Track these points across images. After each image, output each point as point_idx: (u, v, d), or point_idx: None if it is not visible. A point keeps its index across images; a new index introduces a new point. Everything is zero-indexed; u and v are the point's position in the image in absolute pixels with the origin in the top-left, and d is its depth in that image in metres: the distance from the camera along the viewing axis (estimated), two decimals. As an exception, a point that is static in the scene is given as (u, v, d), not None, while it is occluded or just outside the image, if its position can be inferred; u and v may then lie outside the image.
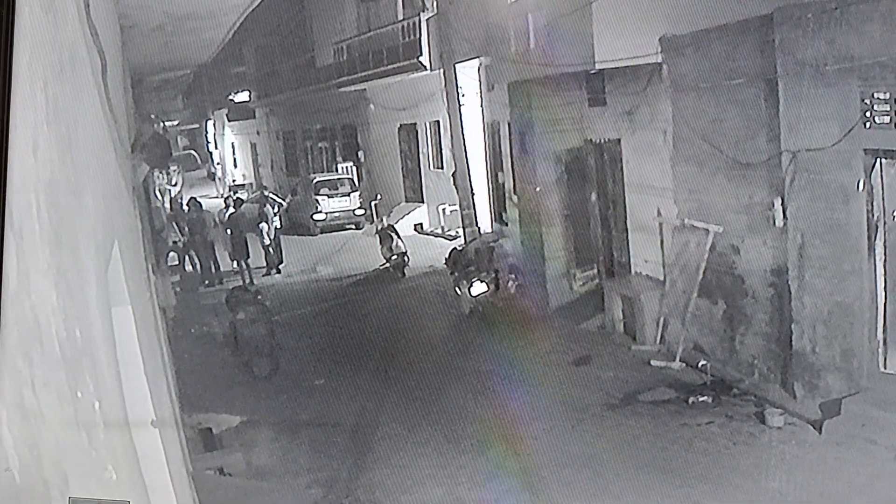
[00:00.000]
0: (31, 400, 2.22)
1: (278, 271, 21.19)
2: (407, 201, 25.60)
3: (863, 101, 9.11)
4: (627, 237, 14.20)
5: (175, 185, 25.77)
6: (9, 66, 2.28)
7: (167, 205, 23.41)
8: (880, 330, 9.60)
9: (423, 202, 24.71)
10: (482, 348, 14.06)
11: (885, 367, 9.64)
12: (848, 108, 9.26)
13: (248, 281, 19.75)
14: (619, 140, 13.96)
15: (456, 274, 16.38)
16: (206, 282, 20.42)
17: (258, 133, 36.21)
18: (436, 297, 17.09)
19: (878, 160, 9.38)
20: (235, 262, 20.47)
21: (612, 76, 13.48)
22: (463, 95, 19.36)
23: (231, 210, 21.48)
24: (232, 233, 20.61)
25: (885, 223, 9.51)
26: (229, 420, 11.21)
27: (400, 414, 11.35)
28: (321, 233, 25.64)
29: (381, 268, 20.00)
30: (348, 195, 26.30)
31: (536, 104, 15.47)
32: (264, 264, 21.31)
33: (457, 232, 20.74)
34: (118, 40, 8.12)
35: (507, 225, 18.61)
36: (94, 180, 4.03)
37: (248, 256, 20.49)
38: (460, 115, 19.03)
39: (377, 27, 23.94)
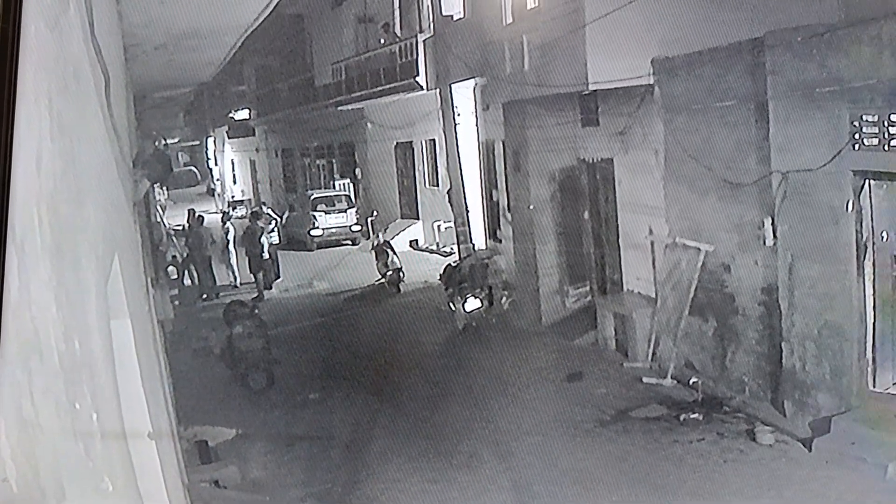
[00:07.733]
0: (30, 410, 2.21)
1: (269, 287, 21.24)
2: (403, 218, 25.67)
3: (852, 123, 9.20)
4: (620, 255, 14.26)
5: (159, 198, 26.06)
6: (14, 80, 2.30)
7: (166, 220, 23.65)
8: (869, 349, 9.65)
9: (418, 219, 24.79)
10: (476, 364, 14.09)
11: (874, 386, 9.68)
12: (837, 129, 9.36)
13: (258, 296, 19.91)
14: (611, 159, 14.06)
15: (450, 290, 16.41)
16: (204, 296, 20.51)
17: (257, 150, 36.29)
18: (430, 313, 17.11)
19: (867, 181, 9.47)
20: (253, 275, 20.78)
21: (605, 97, 13.59)
22: (458, 115, 19.47)
23: (245, 230, 21.81)
24: (248, 250, 20.93)
25: (873, 243, 9.59)
26: (225, 433, 11.23)
27: (393, 428, 11.39)
28: (318, 248, 25.68)
29: (377, 283, 20.04)
30: (345, 211, 26.37)
31: (531, 124, 15.61)
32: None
33: (451, 248, 20.78)
34: (121, 58, 8.14)
35: (501, 242, 18.68)
36: (96, 194, 4.03)
37: (264, 270, 20.76)
38: (456, 133, 19.14)
39: (375, 48, 24.08)
